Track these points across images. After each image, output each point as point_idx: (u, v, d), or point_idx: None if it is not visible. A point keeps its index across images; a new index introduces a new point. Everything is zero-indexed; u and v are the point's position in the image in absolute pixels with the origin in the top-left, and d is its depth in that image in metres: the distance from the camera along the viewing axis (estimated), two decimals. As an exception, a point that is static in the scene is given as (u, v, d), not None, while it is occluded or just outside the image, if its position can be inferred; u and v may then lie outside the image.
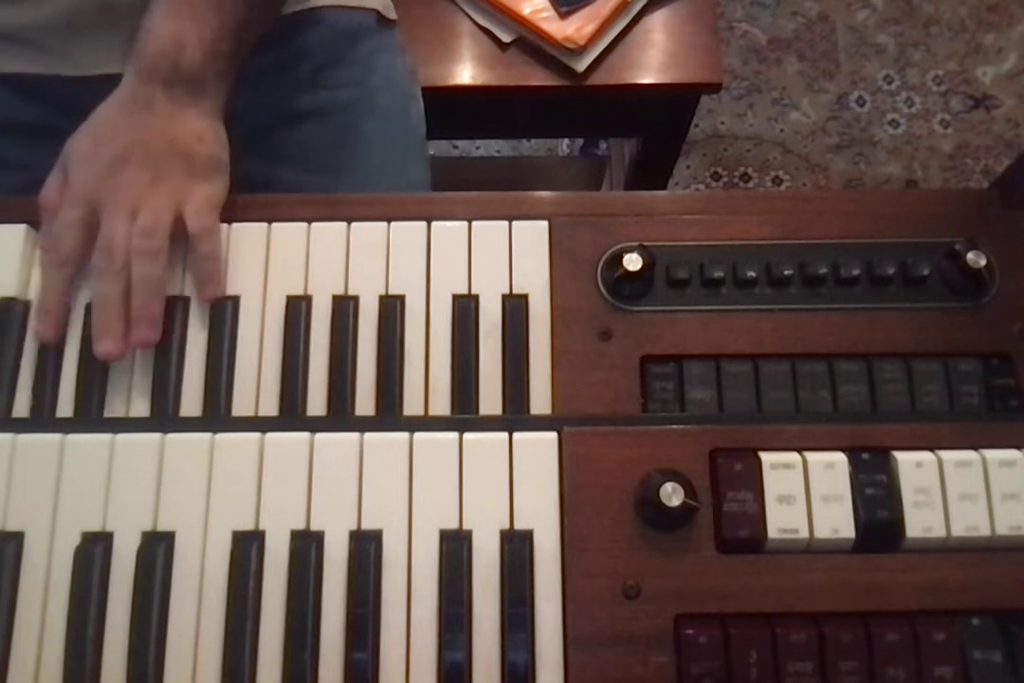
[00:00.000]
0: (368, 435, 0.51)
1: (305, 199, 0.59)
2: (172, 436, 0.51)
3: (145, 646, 0.47)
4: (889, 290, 0.55)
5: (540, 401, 0.53)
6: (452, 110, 0.90)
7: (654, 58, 0.97)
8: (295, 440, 0.51)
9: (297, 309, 0.55)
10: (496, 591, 0.48)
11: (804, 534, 0.48)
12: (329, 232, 0.57)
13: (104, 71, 0.69)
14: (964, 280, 0.55)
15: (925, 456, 0.50)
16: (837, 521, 0.49)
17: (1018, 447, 0.50)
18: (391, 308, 0.54)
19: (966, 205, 0.58)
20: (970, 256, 0.54)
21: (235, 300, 0.55)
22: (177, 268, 0.56)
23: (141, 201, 0.55)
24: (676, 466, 0.50)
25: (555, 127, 1.22)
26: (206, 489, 0.50)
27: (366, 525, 0.50)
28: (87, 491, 0.50)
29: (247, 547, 0.49)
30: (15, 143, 0.73)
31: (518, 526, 0.49)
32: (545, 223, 0.57)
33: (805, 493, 0.49)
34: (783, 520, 0.49)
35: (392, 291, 0.55)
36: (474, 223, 0.57)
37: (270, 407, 0.53)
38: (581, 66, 0.95)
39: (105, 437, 0.51)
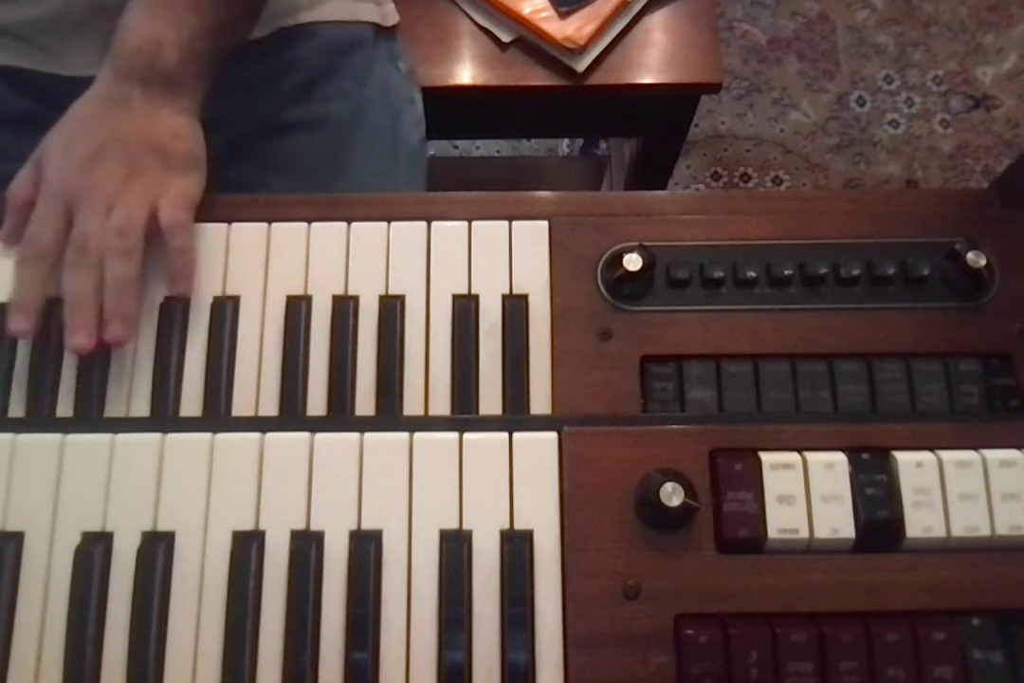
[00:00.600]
0: (368, 435, 0.51)
1: (305, 199, 0.59)
2: (172, 436, 0.51)
3: (145, 646, 0.47)
4: (889, 290, 0.55)
5: (540, 401, 0.53)
6: (452, 110, 0.90)
7: (654, 58, 0.97)
8: (295, 440, 0.51)
9: (297, 309, 0.55)
10: (496, 591, 0.48)
11: (804, 534, 0.48)
12: (329, 232, 0.57)
13: (94, 72, 0.69)
14: (964, 280, 0.55)
15: (925, 456, 0.50)
16: (837, 521, 0.49)
17: (1018, 447, 0.50)
18: (391, 308, 0.54)
19: (966, 205, 0.58)
20: (970, 256, 0.54)
21: (235, 300, 0.55)
22: (163, 268, 0.55)
23: (116, 197, 0.54)
24: (676, 466, 0.50)
25: (555, 127, 1.22)
26: (206, 489, 0.50)
27: (366, 525, 0.50)
28: (87, 491, 0.50)
29: (247, 547, 0.49)
30: (0, 133, 0.73)
31: (518, 526, 0.49)
32: (545, 223, 0.57)
33: (805, 493, 0.49)
34: (783, 520, 0.49)
35: (392, 291, 0.55)
36: (474, 223, 0.57)
37: (270, 407, 0.53)
38: (581, 66, 0.95)
39: (105, 437, 0.51)
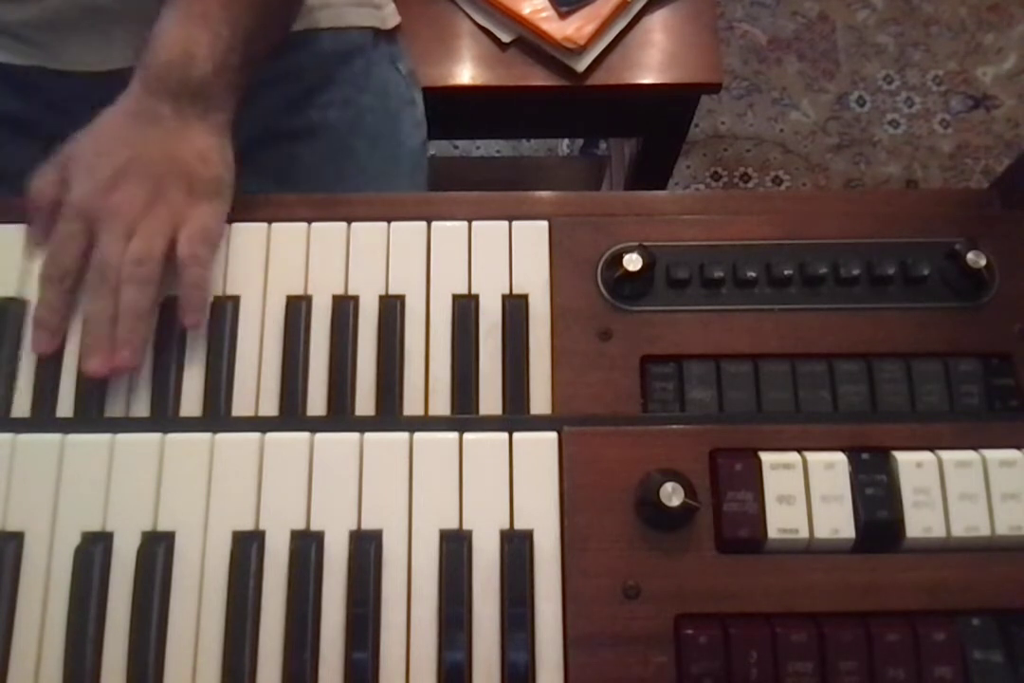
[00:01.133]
0: (368, 435, 0.51)
1: (305, 199, 0.59)
2: (172, 436, 0.51)
3: (145, 646, 0.47)
4: (889, 290, 0.55)
5: (540, 401, 0.53)
6: (452, 110, 0.90)
7: (654, 58, 0.97)
8: (295, 440, 0.51)
9: (297, 309, 0.55)
10: (496, 591, 0.48)
11: (804, 534, 0.48)
12: (329, 232, 0.57)
13: (89, 69, 0.69)
14: (964, 280, 0.55)
15: (925, 456, 0.50)
16: (837, 521, 0.49)
17: (1018, 447, 0.50)
18: (391, 308, 0.54)
19: (966, 205, 0.58)
20: (970, 256, 0.54)
21: (235, 300, 0.55)
22: (175, 273, 0.55)
23: (137, 222, 0.54)
24: (676, 466, 0.50)
25: (555, 127, 1.22)
26: (206, 489, 0.50)
27: (366, 525, 0.50)
28: (87, 491, 0.50)
29: (247, 547, 0.49)
30: None
31: (518, 526, 0.49)
32: (545, 223, 0.57)
33: (805, 493, 0.49)
34: (783, 520, 0.49)
35: (392, 291, 0.55)
36: (474, 223, 0.57)
37: (270, 407, 0.53)
38: (581, 66, 0.95)
39: (105, 437, 0.51)
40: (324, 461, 0.51)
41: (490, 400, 0.53)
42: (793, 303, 0.55)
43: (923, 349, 0.54)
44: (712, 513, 0.49)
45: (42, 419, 0.53)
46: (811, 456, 0.50)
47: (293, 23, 0.70)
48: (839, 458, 0.50)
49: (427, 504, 0.50)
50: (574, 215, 0.57)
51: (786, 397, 0.53)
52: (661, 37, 0.98)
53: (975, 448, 0.50)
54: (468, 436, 0.51)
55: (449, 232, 0.57)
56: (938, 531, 0.49)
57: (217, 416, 0.53)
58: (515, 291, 0.55)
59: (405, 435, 0.51)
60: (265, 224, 0.57)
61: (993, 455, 0.50)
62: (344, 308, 0.55)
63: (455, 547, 0.49)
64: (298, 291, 0.55)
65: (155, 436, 0.51)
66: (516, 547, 0.49)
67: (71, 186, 0.56)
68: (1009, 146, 1.61)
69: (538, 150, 1.64)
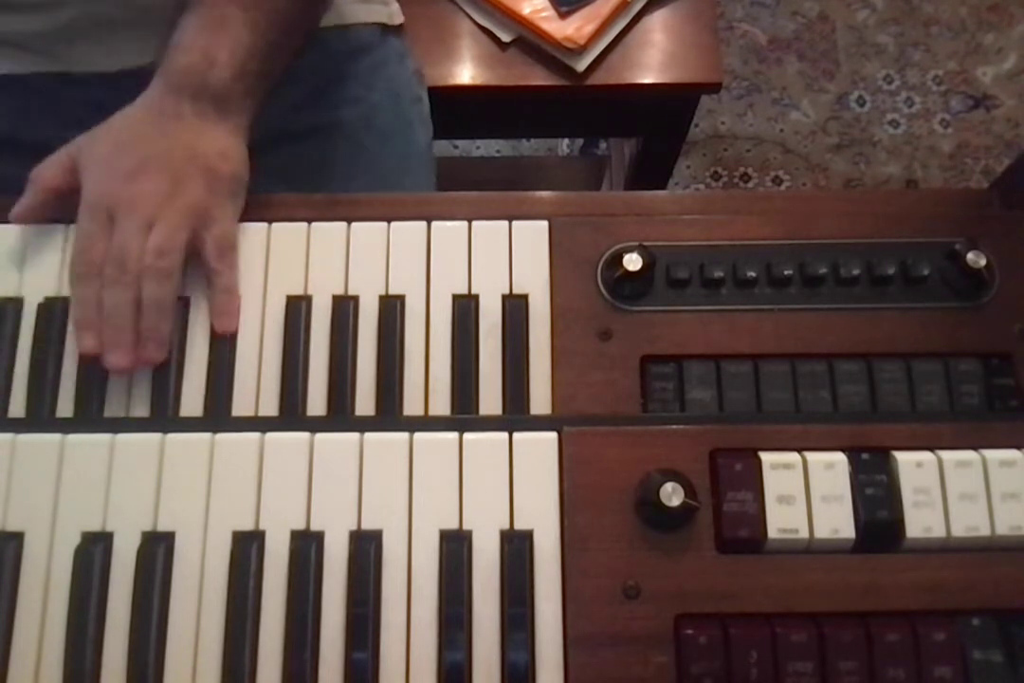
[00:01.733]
0: (368, 435, 0.51)
1: (305, 199, 0.59)
2: (172, 436, 0.51)
3: (145, 646, 0.47)
4: (889, 290, 0.55)
5: (540, 401, 0.53)
6: (452, 110, 0.90)
7: (654, 58, 0.97)
8: (295, 440, 0.51)
9: (297, 309, 0.55)
10: (496, 591, 0.48)
11: (804, 534, 0.48)
12: (329, 232, 0.57)
13: (97, 69, 0.69)
14: (964, 280, 0.55)
15: (925, 456, 0.50)
16: (837, 521, 0.49)
17: (1018, 447, 0.50)
18: (391, 308, 0.54)
19: (966, 205, 0.58)
20: (970, 256, 0.54)
21: (235, 300, 0.55)
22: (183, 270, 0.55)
23: (157, 214, 0.54)
24: (676, 466, 0.50)
25: (555, 127, 1.22)
26: (206, 489, 0.50)
27: (366, 525, 0.50)
28: (87, 491, 0.50)
29: (247, 547, 0.49)
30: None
31: (518, 526, 0.49)
32: (545, 223, 0.57)
33: (805, 493, 0.49)
34: (783, 520, 0.49)
35: (392, 291, 0.55)
36: (474, 223, 0.57)
37: (270, 407, 0.53)
38: (581, 66, 0.95)
39: (105, 437, 0.51)
40: (324, 461, 0.51)
41: (490, 400, 0.53)
42: (793, 303, 0.55)
43: (923, 349, 0.54)
44: (712, 513, 0.49)
45: (42, 419, 0.53)
46: (811, 456, 0.50)
47: (315, 29, 0.70)
48: (839, 458, 0.50)
49: (427, 504, 0.50)
50: (574, 215, 0.57)
51: (786, 397, 0.53)
52: (661, 37, 0.98)
53: (975, 448, 0.50)
54: (468, 436, 0.51)
55: (449, 232, 0.57)
56: (938, 531, 0.49)
57: (217, 416, 0.53)
58: (515, 291, 0.55)
59: (405, 435, 0.51)
60: (265, 224, 0.57)
61: (993, 455, 0.50)
62: (344, 308, 0.55)
63: (455, 547, 0.49)
64: (298, 291, 0.55)
65: (155, 436, 0.51)
66: (516, 547, 0.49)
67: (86, 181, 0.55)
68: (1009, 146, 1.61)
69: (538, 150, 1.64)
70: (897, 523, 0.49)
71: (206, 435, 0.51)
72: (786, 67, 1.66)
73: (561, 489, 0.50)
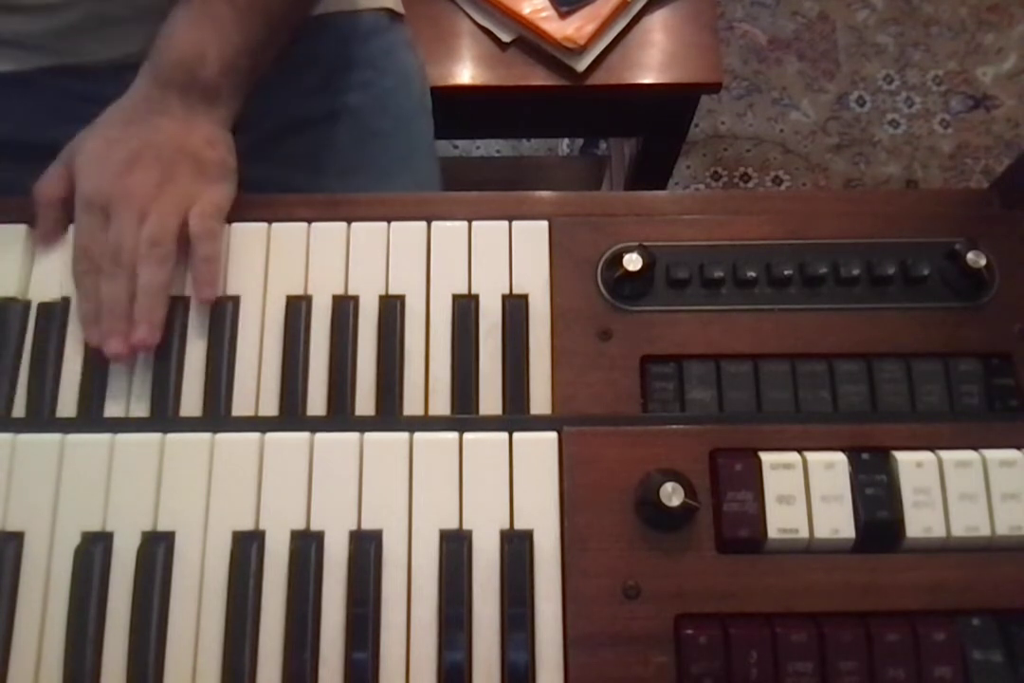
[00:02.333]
0: (368, 435, 0.51)
1: (305, 199, 0.59)
2: (172, 436, 0.51)
3: (145, 646, 0.47)
4: (889, 290, 0.55)
5: (540, 401, 0.53)
6: (452, 110, 0.90)
7: (654, 58, 0.97)
8: (295, 440, 0.51)
9: (297, 309, 0.55)
10: (496, 591, 0.48)
11: (804, 534, 0.48)
12: (329, 232, 0.57)
13: (104, 57, 0.69)
14: (964, 280, 0.55)
15: (925, 456, 0.50)
16: (837, 521, 0.49)
17: (1018, 447, 0.50)
18: (391, 308, 0.54)
19: (966, 205, 0.58)
20: (970, 256, 0.54)
21: (235, 300, 0.55)
22: (178, 268, 0.56)
23: (150, 205, 0.55)
24: (676, 466, 0.50)
25: (555, 127, 1.22)
26: (206, 489, 0.50)
27: (366, 525, 0.50)
28: (87, 491, 0.50)
29: (247, 547, 0.49)
30: None
31: (518, 526, 0.49)
32: (545, 223, 0.57)
33: (805, 493, 0.49)
34: (783, 520, 0.49)
35: (392, 291, 0.55)
36: (474, 223, 0.57)
37: (270, 407, 0.53)
38: (581, 66, 0.95)
39: (105, 437, 0.51)
40: (324, 461, 0.51)
41: (490, 400, 0.53)
42: (793, 303, 0.55)
43: (923, 349, 0.54)
44: (712, 513, 0.49)
45: (42, 419, 0.53)
46: (811, 456, 0.50)
47: (302, 26, 0.70)
48: (839, 458, 0.50)
49: (427, 504, 0.50)
50: (574, 215, 0.57)
51: (786, 397, 0.53)
52: (661, 37, 0.98)
53: (975, 448, 0.50)
54: (468, 436, 0.51)
55: (449, 232, 0.57)
56: (938, 531, 0.49)
57: (217, 416, 0.53)
58: (515, 291, 0.55)
59: (405, 435, 0.51)
60: (265, 224, 0.57)
61: (993, 455, 0.50)
62: (344, 308, 0.55)
63: (455, 547, 0.49)
64: (298, 291, 0.55)
65: (155, 436, 0.51)
66: (516, 547, 0.49)
67: (80, 178, 0.56)
68: (1009, 146, 1.61)
69: (538, 150, 1.63)
70: (897, 523, 0.49)
71: (206, 435, 0.51)
72: (786, 67, 1.66)
73: (561, 489, 0.50)
